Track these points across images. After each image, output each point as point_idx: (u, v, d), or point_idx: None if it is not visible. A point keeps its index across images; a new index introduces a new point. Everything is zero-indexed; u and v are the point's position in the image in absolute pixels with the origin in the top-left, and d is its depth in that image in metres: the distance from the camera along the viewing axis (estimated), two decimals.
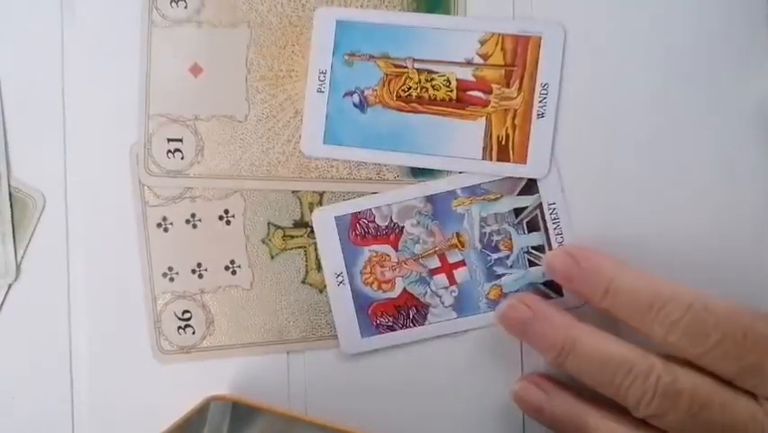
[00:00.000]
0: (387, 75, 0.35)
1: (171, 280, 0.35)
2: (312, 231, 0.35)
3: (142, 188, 0.35)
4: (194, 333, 0.35)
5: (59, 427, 0.35)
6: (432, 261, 0.35)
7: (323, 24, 0.35)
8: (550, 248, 0.35)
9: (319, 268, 0.35)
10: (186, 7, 0.35)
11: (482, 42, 0.34)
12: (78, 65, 0.35)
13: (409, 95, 0.35)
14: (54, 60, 0.35)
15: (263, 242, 0.35)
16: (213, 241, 0.35)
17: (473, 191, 0.35)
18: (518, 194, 0.35)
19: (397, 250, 0.35)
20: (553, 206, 0.34)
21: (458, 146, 0.34)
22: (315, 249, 0.35)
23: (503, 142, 0.34)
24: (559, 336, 0.31)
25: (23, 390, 0.35)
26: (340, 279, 0.35)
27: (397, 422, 0.35)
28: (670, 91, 0.34)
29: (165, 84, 0.35)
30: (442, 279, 0.35)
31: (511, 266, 0.35)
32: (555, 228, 0.34)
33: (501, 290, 0.35)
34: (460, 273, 0.35)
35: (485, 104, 0.34)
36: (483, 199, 0.35)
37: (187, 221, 0.35)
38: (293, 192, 0.35)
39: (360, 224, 0.35)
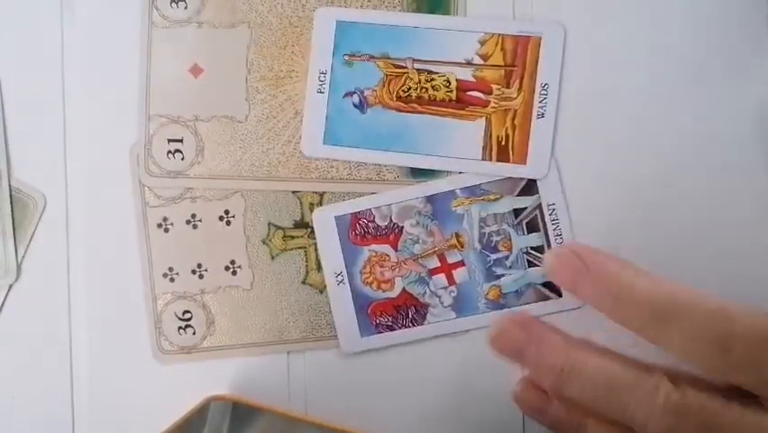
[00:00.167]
0: (387, 75, 0.35)
1: (172, 280, 0.35)
2: (312, 232, 0.35)
3: (143, 189, 0.35)
4: (194, 333, 0.35)
5: (59, 427, 0.35)
6: (431, 261, 0.35)
7: (323, 25, 0.35)
8: (549, 249, 0.34)
9: (319, 268, 0.35)
10: (186, 8, 0.35)
11: (482, 43, 0.34)
12: (78, 65, 0.35)
13: (409, 95, 0.35)
14: (54, 60, 0.35)
15: (263, 242, 0.35)
16: (213, 241, 0.35)
17: (473, 191, 0.35)
18: (518, 194, 0.35)
19: (396, 250, 0.35)
20: (552, 206, 0.34)
21: (458, 146, 0.34)
22: (316, 249, 0.35)
23: (503, 143, 0.34)
24: (557, 358, 0.29)
25: (23, 390, 0.35)
26: (339, 278, 0.35)
27: (397, 422, 0.35)
28: (669, 91, 0.34)
29: (165, 84, 0.35)
30: (441, 279, 0.35)
31: (510, 267, 0.35)
32: (555, 229, 0.34)
33: (500, 290, 0.35)
34: (459, 273, 0.35)
35: (485, 104, 0.34)
36: (483, 200, 0.35)
37: (188, 221, 0.35)
38: (293, 192, 0.35)
39: (359, 224, 0.35)
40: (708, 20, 0.34)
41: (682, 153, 0.34)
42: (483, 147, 0.34)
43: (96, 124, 0.35)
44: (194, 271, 0.35)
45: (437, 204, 0.35)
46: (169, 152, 0.35)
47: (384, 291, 0.35)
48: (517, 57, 0.34)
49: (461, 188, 0.35)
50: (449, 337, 0.35)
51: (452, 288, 0.35)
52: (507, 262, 0.35)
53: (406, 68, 0.35)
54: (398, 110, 0.35)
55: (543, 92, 0.34)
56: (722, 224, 0.34)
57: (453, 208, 0.35)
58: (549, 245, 0.35)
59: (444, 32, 0.34)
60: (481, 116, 0.34)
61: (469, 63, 0.34)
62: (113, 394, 0.35)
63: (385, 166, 0.35)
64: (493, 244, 0.35)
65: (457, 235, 0.35)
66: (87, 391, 0.35)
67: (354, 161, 0.35)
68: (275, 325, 0.35)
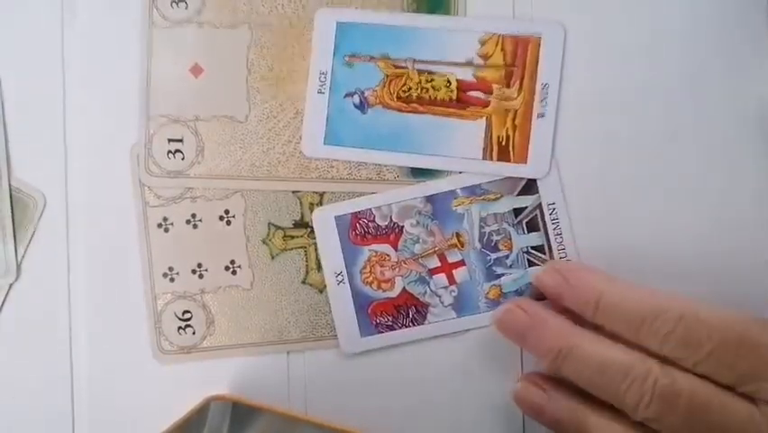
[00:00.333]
0: (387, 76, 0.35)
1: (172, 280, 0.35)
2: (312, 231, 0.35)
3: (143, 189, 0.35)
4: (194, 333, 0.35)
5: (59, 426, 0.35)
6: (431, 260, 0.35)
7: (323, 26, 0.35)
8: (549, 248, 0.35)
9: (319, 268, 0.35)
10: (186, 8, 0.35)
11: (482, 43, 0.34)
12: (78, 65, 0.35)
13: (410, 95, 0.35)
14: (54, 60, 0.35)
15: (264, 242, 0.35)
16: (213, 241, 0.35)
17: (473, 191, 0.35)
18: (518, 194, 0.35)
19: (396, 250, 0.35)
20: (552, 206, 0.35)
21: (458, 146, 0.35)
22: (316, 249, 0.35)
23: (503, 143, 0.34)
24: (556, 341, 0.31)
25: (23, 389, 0.35)
26: (340, 278, 0.35)
27: (397, 422, 0.35)
28: (670, 91, 0.34)
29: (165, 84, 0.35)
30: (441, 278, 0.35)
31: (510, 266, 0.35)
32: (555, 228, 0.34)
33: (501, 289, 0.35)
34: (459, 273, 0.35)
35: (485, 104, 0.35)
36: (483, 199, 0.35)
37: (188, 221, 0.35)
38: (293, 192, 0.35)
39: (360, 223, 0.35)
40: (707, 20, 0.34)
41: (683, 153, 0.34)
42: (483, 147, 0.34)
43: (95, 124, 0.35)
44: (194, 271, 0.35)
45: (437, 204, 0.35)
46: (170, 151, 0.35)
47: (384, 291, 0.35)
48: (518, 57, 0.34)
49: (461, 188, 0.35)
50: (449, 337, 0.35)
51: (453, 287, 0.35)
52: (508, 262, 0.35)
53: (406, 68, 0.35)
54: (399, 110, 0.35)
55: (543, 92, 0.34)
56: (722, 224, 0.34)
57: (454, 208, 0.35)
58: (549, 245, 0.35)
59: (445, 32, 0.34)
60: (482, 116, 0.35)
61: (469, 63, 0.34)
62: (113, 394, 0.35)
63: (385, 166, 0.35)
64: (493, 244, 0.35)
65: (457, 235, 0.35)
66: (87, 391, 0.35)
67: (354, 161, 0.35)
68: (275, 325, 0.35)
